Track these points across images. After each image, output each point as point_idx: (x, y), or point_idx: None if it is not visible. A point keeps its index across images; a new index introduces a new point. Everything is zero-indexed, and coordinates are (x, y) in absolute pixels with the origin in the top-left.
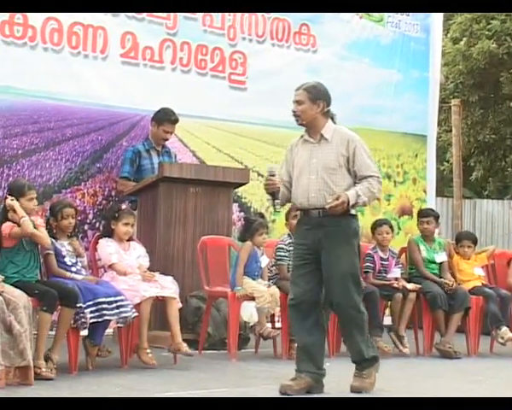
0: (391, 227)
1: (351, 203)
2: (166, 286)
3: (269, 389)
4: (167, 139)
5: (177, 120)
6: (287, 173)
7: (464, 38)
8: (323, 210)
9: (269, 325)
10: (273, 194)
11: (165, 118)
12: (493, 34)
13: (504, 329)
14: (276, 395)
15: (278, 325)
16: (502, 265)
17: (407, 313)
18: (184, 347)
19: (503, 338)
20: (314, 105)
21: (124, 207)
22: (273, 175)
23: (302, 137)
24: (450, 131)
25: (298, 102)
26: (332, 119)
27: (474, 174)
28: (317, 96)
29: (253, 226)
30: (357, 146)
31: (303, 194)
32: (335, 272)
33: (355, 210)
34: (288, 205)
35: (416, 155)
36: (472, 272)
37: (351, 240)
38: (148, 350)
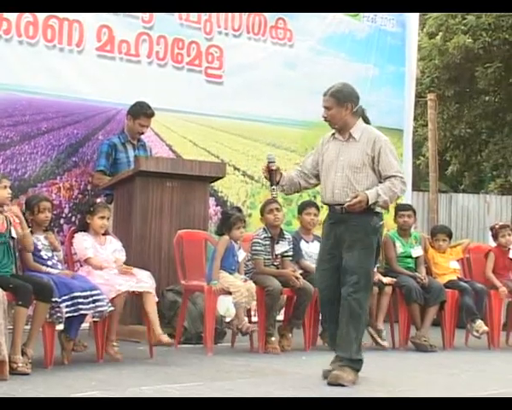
0: None
1: (370, 202)
2: (143, 280)
3: (245, 383)
4: (143, 133)
5: (152, 114)
6: (311, 164)
7: (440, 33)
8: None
9: (245, 319)
10: (271, 180)
11: (141, 112)
12: (469, 29)
13: (479, 322)
14: (253, 389)
15: (254, 319)
16: (477, 258)
17: (384, 307)
18: (165, 337)
19: (477, 331)
20: (342, 108)
21: (99, 200)
22: (272, 162)
23: (333, 134)
24: (426, 125)
25: (327, 108)
26: (363, 116)
27: (449, 168)
28: (344, 98)
29: (230, 220)
30: (382, 146)
31: (329, 190)
32: (349, 265)
33: (379, 208)
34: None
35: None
36: (447, 266)
37: (369, 236)
38: (115, 344)
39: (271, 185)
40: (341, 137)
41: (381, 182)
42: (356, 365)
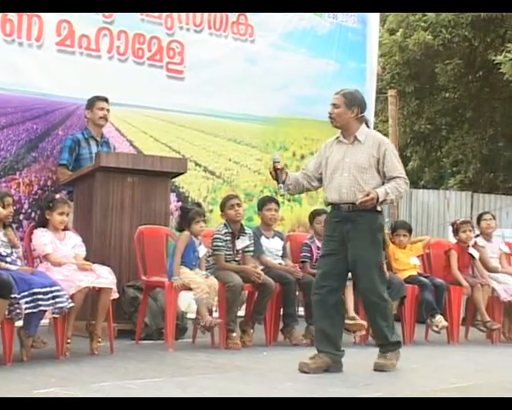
0: None
1: (380, 200)
2: (103, 276)
3: (206, 379)
4: (106, 118)
5: (106, 98)
6: (314, 166)
7: (400, 30)
8: (353, 205)
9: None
10: (277, 178)
11: (94, 98)
12: (429, 26)
13: (439, 317)
14: (214, 385)
15: (215, 315)
16: (437, 254)
17: (350, 299)
18: (98, 338)
19: (437, 326)
20: (349, 110)
21: (58, 196)
22: (277, 162)
23: (337, 138)
24: (387, 121)
25: (334, 106)
26: (366, 123)
27: (410, 164)
28: (353, 102)
29: (189, 215)
30: (387, 149)
31: (335, 189)
32: (361, 262)
33: (380, 207)
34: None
35: None
36: (407, 262)
37: (376, 233)
38: (69, 341)
39: (278, 184)
40: (346, 140)
41: (384, 182)
42: (395, 346)
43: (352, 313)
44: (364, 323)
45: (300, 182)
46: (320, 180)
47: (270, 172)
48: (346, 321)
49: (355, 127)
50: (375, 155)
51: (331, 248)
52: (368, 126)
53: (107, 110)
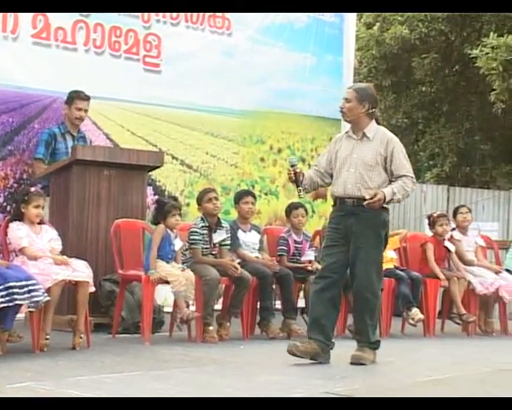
0: (306, 210)
1: (387, 200)
2: (79, 270)
3: (183, 372)
4: (82, 119)
5: (87, 97)
6: (326, 162)
7: (377, 24)
8: (357, 200)
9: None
10: (296, 182)
11: (75, 96)
12: (405, 20)
13: (415, 310)
14: (191, 378)
15: (192, 308)
16: (414, 247)
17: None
18: (80, 333)
19: (413, 319)
20: (360, 105)
21: (33, 189)
22: (294, 166)
23: (347, 132)
24: None
25: (346, 100)
26: (377, 120)
27: None
28: (364, 97)
29: (165, 208)
30: (395, 147)
31: (341, 184)
32: (360, 256)
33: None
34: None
35: (330, 139)
36: (384, 255)
37: (379, 229)
38: (48, 336)
39: (298, 187)
40: (355, 135)
41: (391, 180)
42: (374, 345)
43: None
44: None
45: (315, 180)
46: (332, 176)
47: (290, 177)
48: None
49: (365, 123)
50: (382, 153)
51: (334, 239)
52: (378, 123)
53: (85, 110)
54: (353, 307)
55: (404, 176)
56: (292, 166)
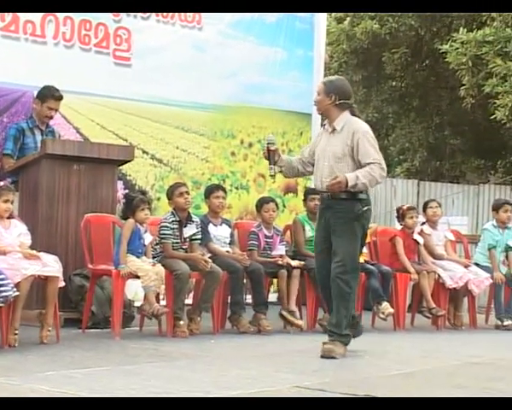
0: (277, 205)
1: (350, 184)
2: (49, 264)
3: (154, 367)
4: (51, 117)
5: (61, 97)
6: (308, 153)
7: (348, 18)
8: (331, 193)
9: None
10: (269, 159)
11: (49, 94)
12: (376, 15)
13: (385, 304)
14: (162, 373)
15: (163, 303)
16: (384, 242)
17: (294, 289)
18: (48, 326)
19: (383, 313)
20: (327, 97)
21: (2, 184)
22: (271, 143)
23: (324, 125)
24: None
25: (317, 93)
26: (353, 112)
27: None
28: (331, 89)
29: (133, 203)
30: (360, 137)
31: (318, 177)
32: (335, 249)
33: (363, 194)
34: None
35: (301, 133)
36: None
37: (352, 222)
38: (17, 331)
39: (269, 164)
40: (329, 128)
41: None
42: (345, 339)
43: (292, 306)
44: (300, 322)
45: (295, 166)
46: (314, 165)
47: (263, 153)
48: (283, 312)
49: (334, 115)
50: (349, 144)
51: (320, 235)
52: (354, 114)
53: (56, 110)
54: (332, 298)
55: (372, 163)
56: (268, 143)
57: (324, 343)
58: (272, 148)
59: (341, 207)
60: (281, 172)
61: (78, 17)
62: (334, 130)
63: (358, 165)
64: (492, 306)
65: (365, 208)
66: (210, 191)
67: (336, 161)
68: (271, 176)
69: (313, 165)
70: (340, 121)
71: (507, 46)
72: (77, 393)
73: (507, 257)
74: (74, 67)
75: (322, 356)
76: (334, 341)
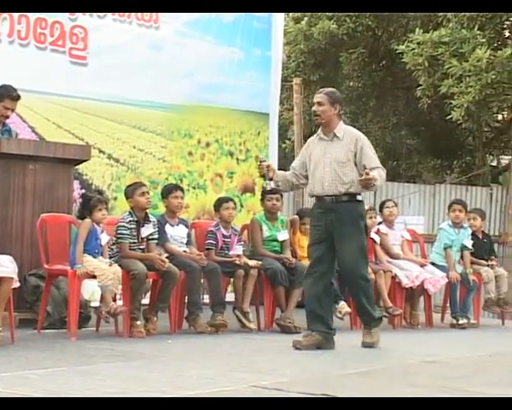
0: (235, 204)
1: (376, 183)
2: (3, 265)
3: (110, 367)
4: (8, 117)
5: (18, 97)
6: (300, 165)
7: (305, 18)
8: (335, 197)
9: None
10: (263, 175)
11: (6, 94)
12: (333, 15)
13: (342, 303)
14: (118, 373)
15: (120, 303)
16: None
17: (250, 290)
18: None
19: (340, 312)
20: (332, 107)
21: None
22: (263, 161)
23: (318, 135)
24: (292, 109)
25: (319, 104)
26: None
27: None
28: (335, 100)
29: (90, 203)
30: (364, 143)
31: (319, 183)
32: (346, 247)
33: (361, 196)
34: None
35: (259, 133)
36: None
37: (357, 221)
38: None
39: (265, 180)
40: (326, 137)
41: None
42: (379, 322)
43: (246, 307)
44: (252, 325)
45: (289, 179)
46: (307, 177)
47: (259, 171)
48: (236, 312)
49: (335, 123)
50: (352, 150)
51: (318, 237)
52: (343, 121)
53: (13, 110)
54: (350, 294)
55: (378, 167)
56: (262, 161)
57: (364, 336)
58: (265, 164)
59: (346, 210)
60: (278, 186)
61: (33, 15)
62: (333, 138)
63: (362, 169)
64: (448, 305)
65: (365, 208)
66: (168, 191)
67: (340, 165)
68: (268, 190)
69: (306, 177)
70: (340, 130)
71: (462, 47)
72: (31, 394)
73: (462, 257)
74: (30, 65)
75: (365, 347)
76: (369, 330)
